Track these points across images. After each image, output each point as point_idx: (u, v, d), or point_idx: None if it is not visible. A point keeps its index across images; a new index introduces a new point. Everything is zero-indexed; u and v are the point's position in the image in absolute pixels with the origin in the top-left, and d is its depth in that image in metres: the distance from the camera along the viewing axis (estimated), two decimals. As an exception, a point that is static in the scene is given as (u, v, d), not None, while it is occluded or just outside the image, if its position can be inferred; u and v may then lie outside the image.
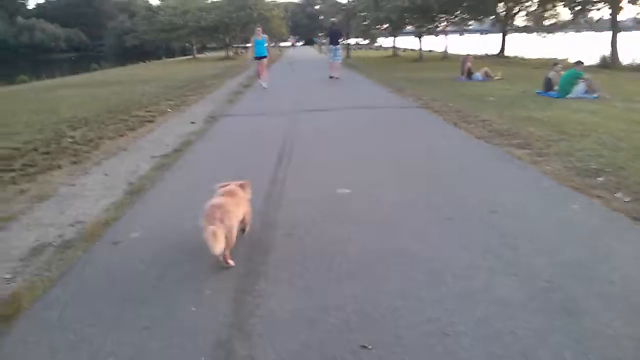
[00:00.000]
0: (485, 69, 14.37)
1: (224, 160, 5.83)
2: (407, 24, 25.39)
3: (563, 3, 21.83)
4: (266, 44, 13.58)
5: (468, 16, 24.85)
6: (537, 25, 27.18)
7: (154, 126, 8.49)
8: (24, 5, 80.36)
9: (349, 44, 33.07)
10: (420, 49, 25.49)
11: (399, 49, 35.01)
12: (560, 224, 3.47)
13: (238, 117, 9.15)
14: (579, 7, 21.01)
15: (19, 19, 70.60)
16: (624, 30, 20.38)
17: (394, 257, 3.02)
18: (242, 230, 3.32)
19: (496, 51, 32.31)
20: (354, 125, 7.71)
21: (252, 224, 3.44)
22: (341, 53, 16.06)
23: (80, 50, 73.16)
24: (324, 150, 6.03)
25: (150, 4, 46.33)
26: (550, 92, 10.47)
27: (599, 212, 3.70)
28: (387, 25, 26.66)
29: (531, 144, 5.88)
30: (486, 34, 39.37)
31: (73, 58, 60.65)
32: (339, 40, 15.71)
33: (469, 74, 14.35)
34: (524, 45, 33.07)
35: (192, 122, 8.69)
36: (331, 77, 15.50)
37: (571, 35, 29.22)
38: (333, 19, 18.83)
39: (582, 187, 4.26)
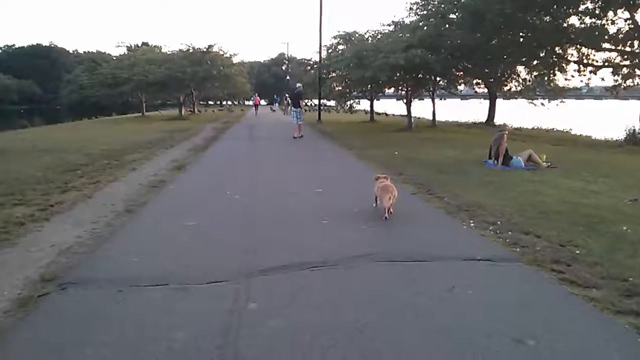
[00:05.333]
0: (529, 151, 10.06)
1: None
2: (396, 86, 21.54)
3: (611, 70, 18.41)
4: None
5: (469, 78, 21.42)
6: (535, 90, 23.95)
7: None
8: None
9: (320, 104, 28.89)
10: (410, 116, 21.41)
11: (376, 113, 31.31)
12: None
13: (112, 285, 4.02)
14: (627, 72, 17.61)
15: (-30, 69, 66.50)
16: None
17: None
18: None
19: (482, 118, 29.12)
20: None
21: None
22: (303, 115, 17.27)
23: (33, 102, 68.81)
24: None
25: (96, 56, 41.13)
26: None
27: None
28: (370, 86, 22.81)
29: None
30: (444, 99, 35.88)
31: (22, 111, 55.72)
32: (300, 103, 17.15)
33: (505, 159, 10.03)
34: (503, 112, 29.66)
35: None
36: (295, 137, 16.13)
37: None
38: (298, 84, 19.16)
39: None
